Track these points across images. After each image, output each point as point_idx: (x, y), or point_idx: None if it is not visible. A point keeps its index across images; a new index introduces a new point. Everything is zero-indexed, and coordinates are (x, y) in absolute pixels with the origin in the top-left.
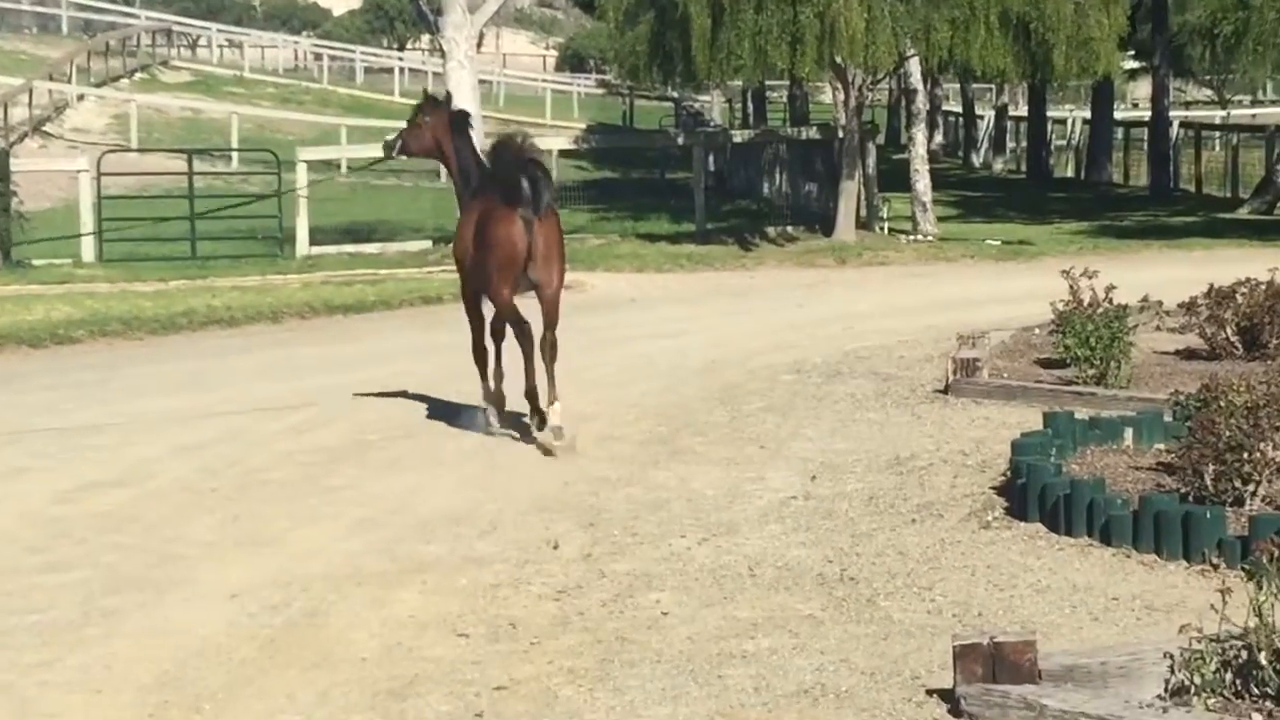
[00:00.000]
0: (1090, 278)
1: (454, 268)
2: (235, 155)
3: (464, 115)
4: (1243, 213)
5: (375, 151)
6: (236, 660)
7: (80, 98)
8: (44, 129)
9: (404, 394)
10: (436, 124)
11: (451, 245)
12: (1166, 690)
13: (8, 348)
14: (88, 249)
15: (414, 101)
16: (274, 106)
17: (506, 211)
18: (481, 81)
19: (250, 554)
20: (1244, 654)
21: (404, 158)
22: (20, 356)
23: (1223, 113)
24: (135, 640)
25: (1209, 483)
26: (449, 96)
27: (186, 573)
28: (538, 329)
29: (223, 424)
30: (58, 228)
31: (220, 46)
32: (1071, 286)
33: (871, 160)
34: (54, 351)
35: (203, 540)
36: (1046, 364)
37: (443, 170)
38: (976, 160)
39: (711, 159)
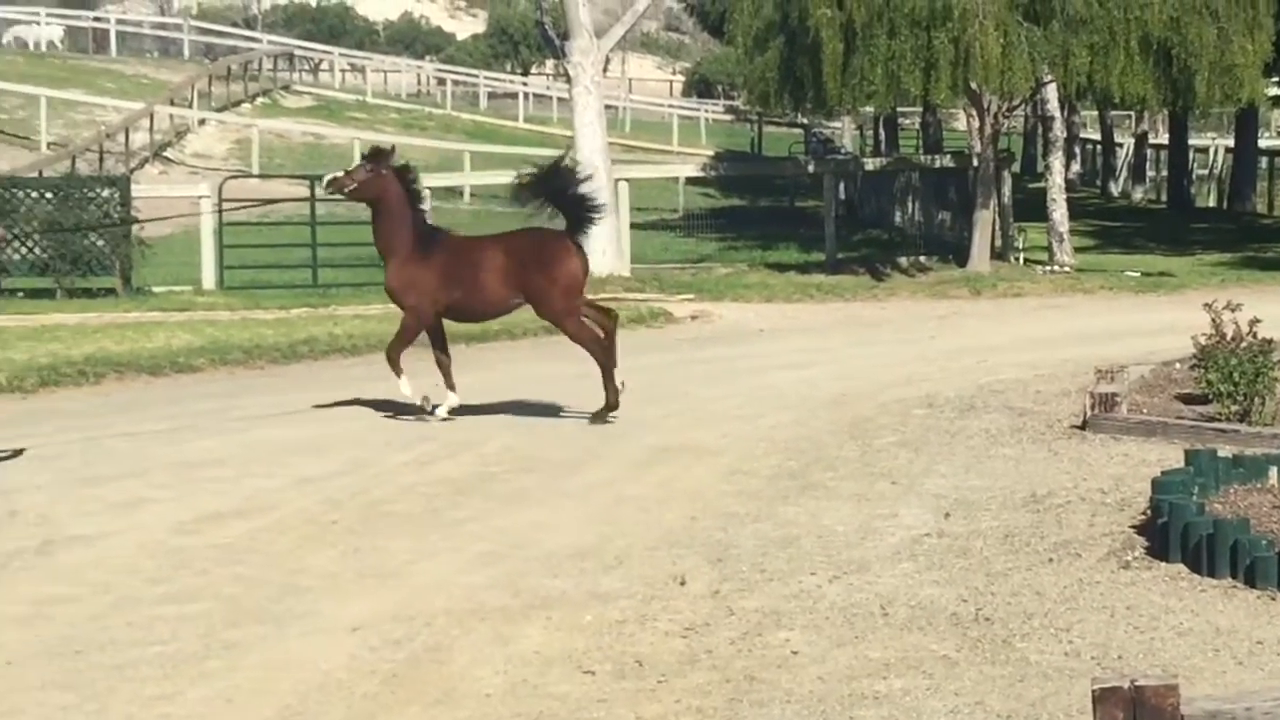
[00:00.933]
0: (1233, 311)
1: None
2: None
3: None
4: None
5: (499, 178)
6: (358, 695)
7: (201, 122)
8: (165, 154)
9: (526, 426)
10: (387, 180)
11: (396, 283)
12: None
13: (128, 376)
14: (208, 276)
15: (538, 128)
16: (396, 132)
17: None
18: (607, 106)
19: (372, 587)
20: None
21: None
22: (141, 385)
23: None
24: (257, 673)
25: None
26: (393, 149)
27: (308, 605)
28: None
29: (345, 455)
30: (177, 254)
31: (342, 71)
32: (1214, 320)
33: (1007, 189)
34: (174, 380)
35: (324, 572)
36: (1187, 400)
37: None
38: (1115, 189)
39: (842, 187)
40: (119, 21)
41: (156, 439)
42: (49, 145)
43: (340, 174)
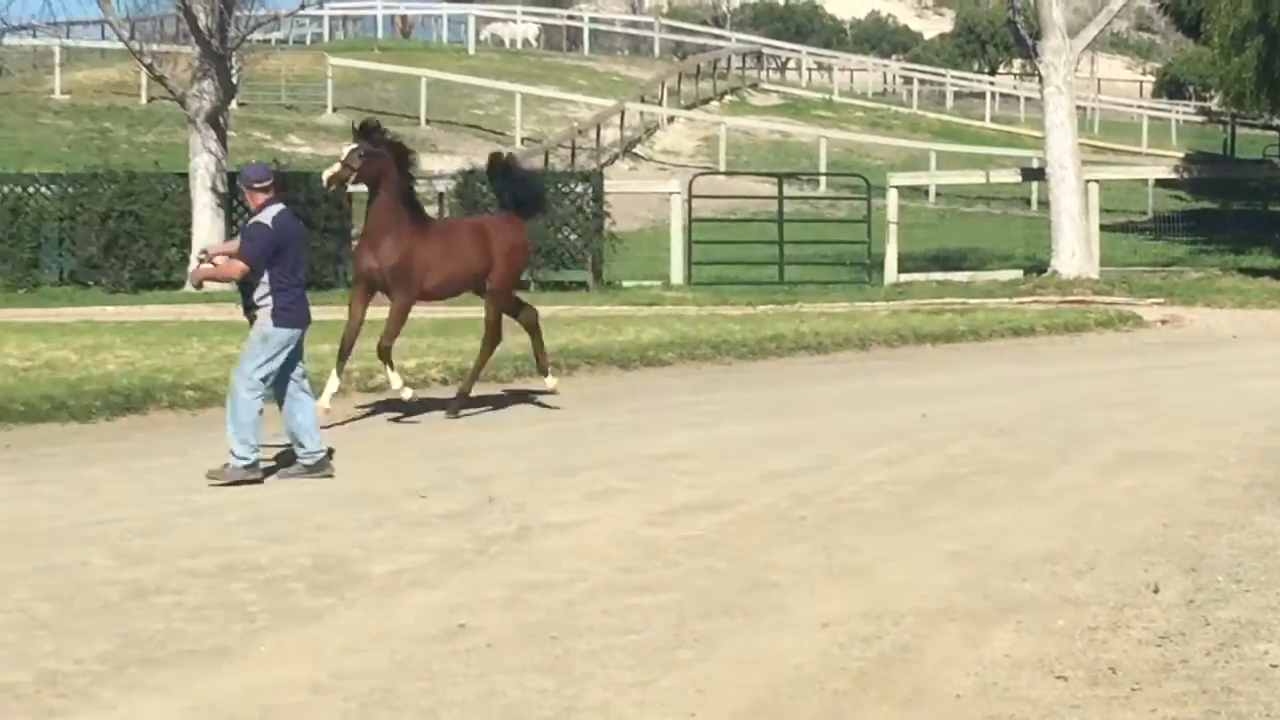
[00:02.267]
0: None
1: (1039, 296)
2: (823, 179)
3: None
4: None
5: (965, 178)
6: (829, 691)
7: (670, 120)
8: (634, 151)
9: (993, 428)
10: (387, 155)
11: (399, 259)
12: None
13: (599, 368)
14: (677, 271)
15: (1005, 127)
16: (862, 130)
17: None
18: (1077, 107)
19: (841, 584)
20: None
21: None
22: (611, 377)
23: None
24: (727, 665)
25: None
26: (371, 125)
27: (777, 600)
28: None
29: (812, 452)
30: (646, 249)
31: (809, 69)
32: None
33: None
34: (643, 373)
35: (793, 568)
36: None
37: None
38: None
39: None
40: (592, 20)
41: (627, 430)
42: (523, 140)
43: (336, 168)
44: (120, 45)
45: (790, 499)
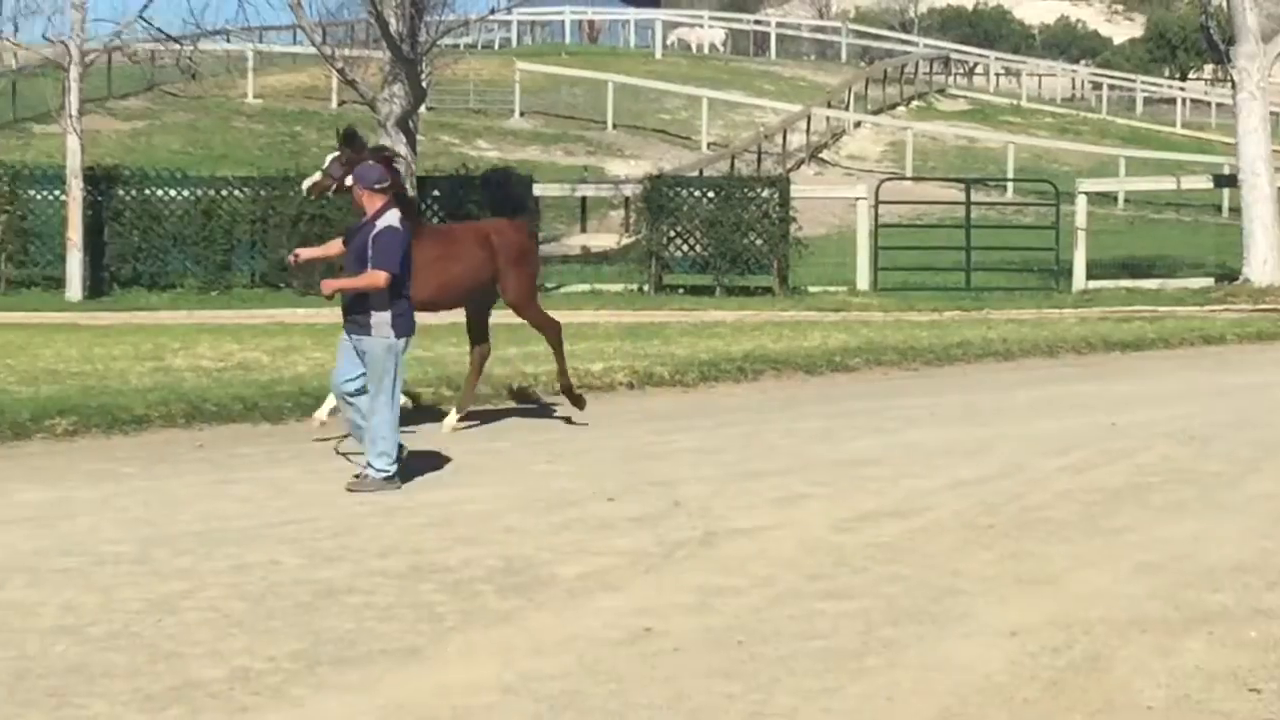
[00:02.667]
0: None
1: (1230, 305)
2: (1010, 185)
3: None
4: None
5: (1156, 185)
6: (1019, 700)
7: (857, 125)
8: (820, 156)
9: (1183, 436)
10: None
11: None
12: None
13: (785, 373)
14: (863, 277)
15: (1196, 134)
16: (1050, 136)
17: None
18: (1272, 113)
19: (1029, 592)
20: None
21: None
22: (796, 382)
23: None
24: (915, 673)
25: None
26: (354, 131)
27: (965, 608)
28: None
29: (1000, 459)
30: (832, 255)
31: (997, 75)
32: None
33: None
34: (830, 379)
35: (981, 576)
36: None
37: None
38: None
39: None
40: (779, 25)
41: (813, 436)
42: (709, 145)
43: (317, 176)
44: (311, 50)
45: (978, 506)
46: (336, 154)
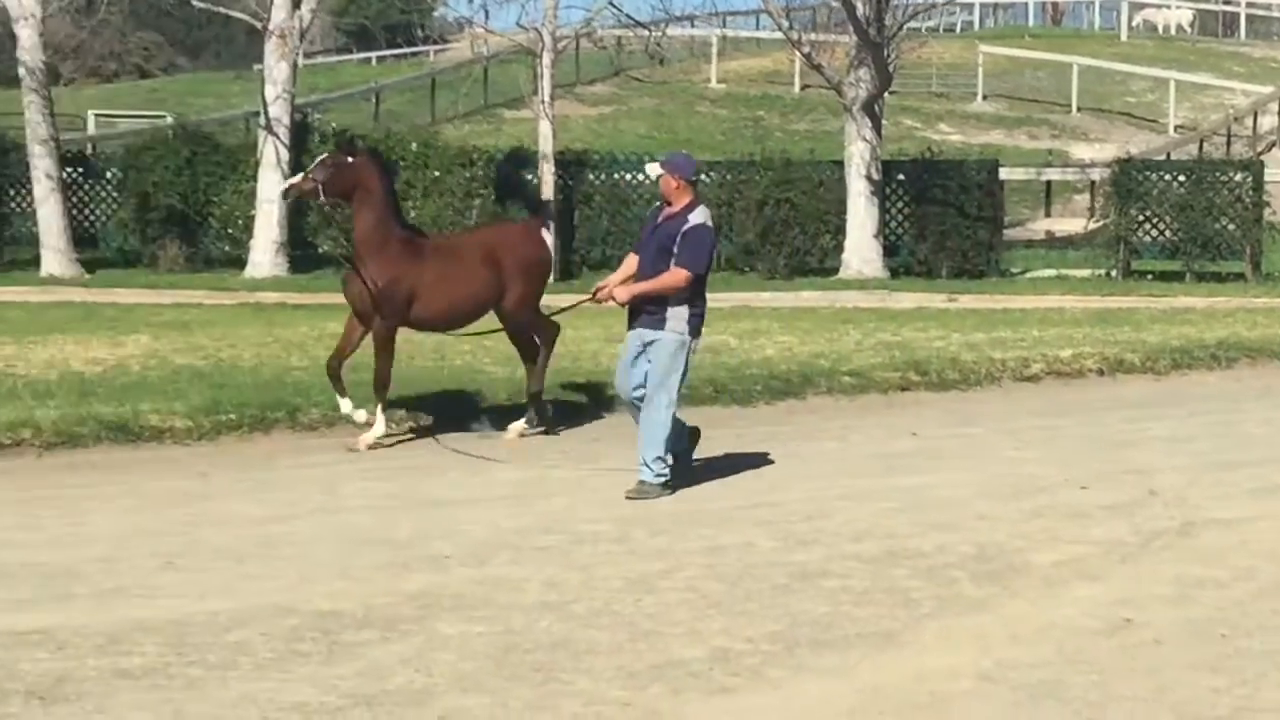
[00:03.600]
0: None
1: None
2: None
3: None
4: None
5: None
6: None
7: None
8: None
9: None
10: (361, 165)
11: (386, 281)
12: None
13: (1260, 361)
14: None
15: None
16: None
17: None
18: None
19: None
20: None
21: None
22: (1273, 371)
23: None
24: None
25: None
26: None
27: None
28: None
29: None
30: None
31: None
32: None
33: None
34: None
35: None
36: None
37: None
38: None
39: None
40: (1248, 4)
41: None
42: (1176, 128)
43: (298, 179)
44: (775, 35)
45: None
46: (323, 156)
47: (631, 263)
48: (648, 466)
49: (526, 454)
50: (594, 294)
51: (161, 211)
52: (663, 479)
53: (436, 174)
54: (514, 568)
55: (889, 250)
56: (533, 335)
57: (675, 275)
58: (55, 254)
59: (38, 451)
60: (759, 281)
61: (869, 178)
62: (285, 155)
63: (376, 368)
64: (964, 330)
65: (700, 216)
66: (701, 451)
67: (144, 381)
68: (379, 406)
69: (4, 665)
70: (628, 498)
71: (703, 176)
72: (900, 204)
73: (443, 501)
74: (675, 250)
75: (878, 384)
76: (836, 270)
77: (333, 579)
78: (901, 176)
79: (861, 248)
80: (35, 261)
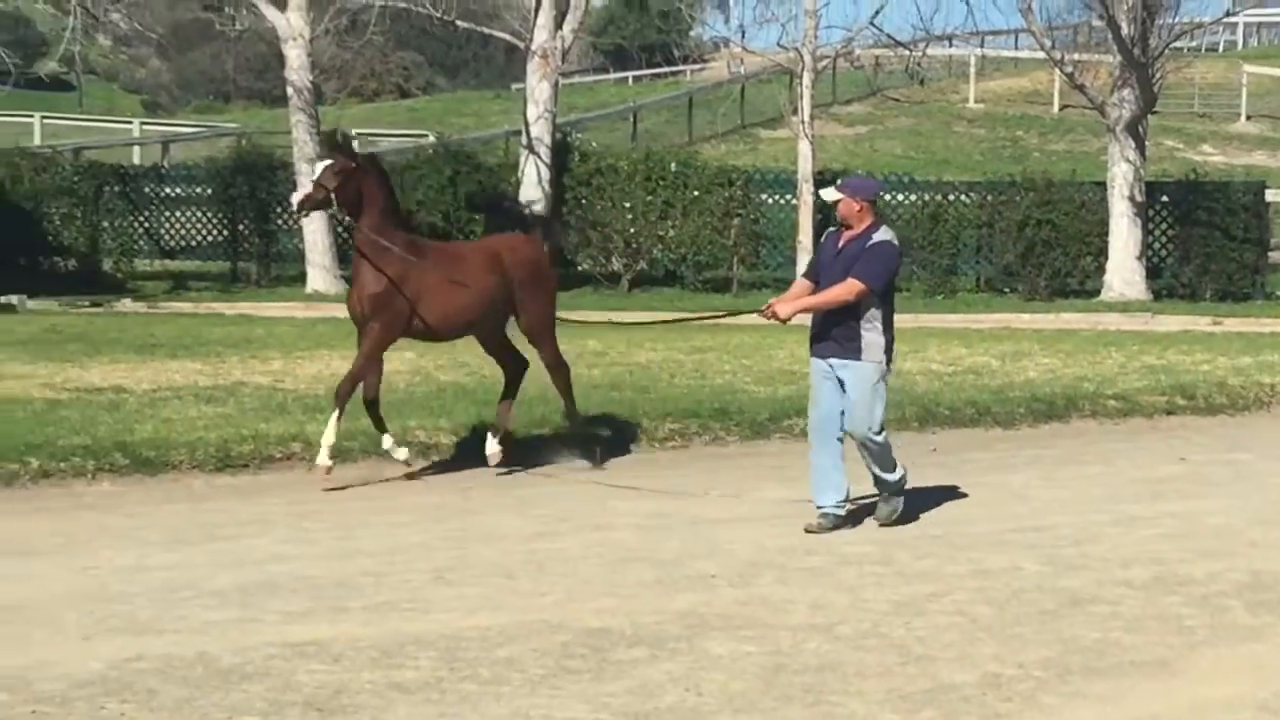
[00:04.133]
0: None
1: None
2: None
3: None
4: None
5: None
6: None
7: None
8: None
9: None
10: (366, 171)
11: (378, 291)
12: None
13: None
14: None
15: None
16: None
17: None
18: None
19: None
20: None
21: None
22: None
23: None
24: None
25: None
26: (346, 137)
27: None
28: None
29: None
30: None
31: None
32: None
33: None
34: None
35: None
36: None
37: None
38: None
39: None
40: None
41: None
42: None
43: (308, 188)
44: (1034, 54)
45: None
46: (329, 163)
47: (800, 288)
48: (887, 485)
49: (792, 470)
50: (764, 309)
51: (424, 229)
52: (902, 495)
53: (696, 193)
54: (779, 588)
55: (1151, 273)
56: (519, 362)
57: (847, 286)
58: (320, 271)
59: (308, 465)
60: (1019, 303)
61: (1132, 199)
62: (546, 174)
63: (351, 370)
64: (1230, 354)
65: (886, 234)
66: (964, 475)
67: (410, 398)
68: (336, 414)
69: (282, 676)
70: (880, 525)
71: (962, 198)
72: (1163, 226)
73: (705, 520)
74: (857, 265)
75: (1143, 408)
76: (1098, 292)
77: (600, 596)
78: (1165, 198)
79: (1124, 269)
80: (301, 278)
